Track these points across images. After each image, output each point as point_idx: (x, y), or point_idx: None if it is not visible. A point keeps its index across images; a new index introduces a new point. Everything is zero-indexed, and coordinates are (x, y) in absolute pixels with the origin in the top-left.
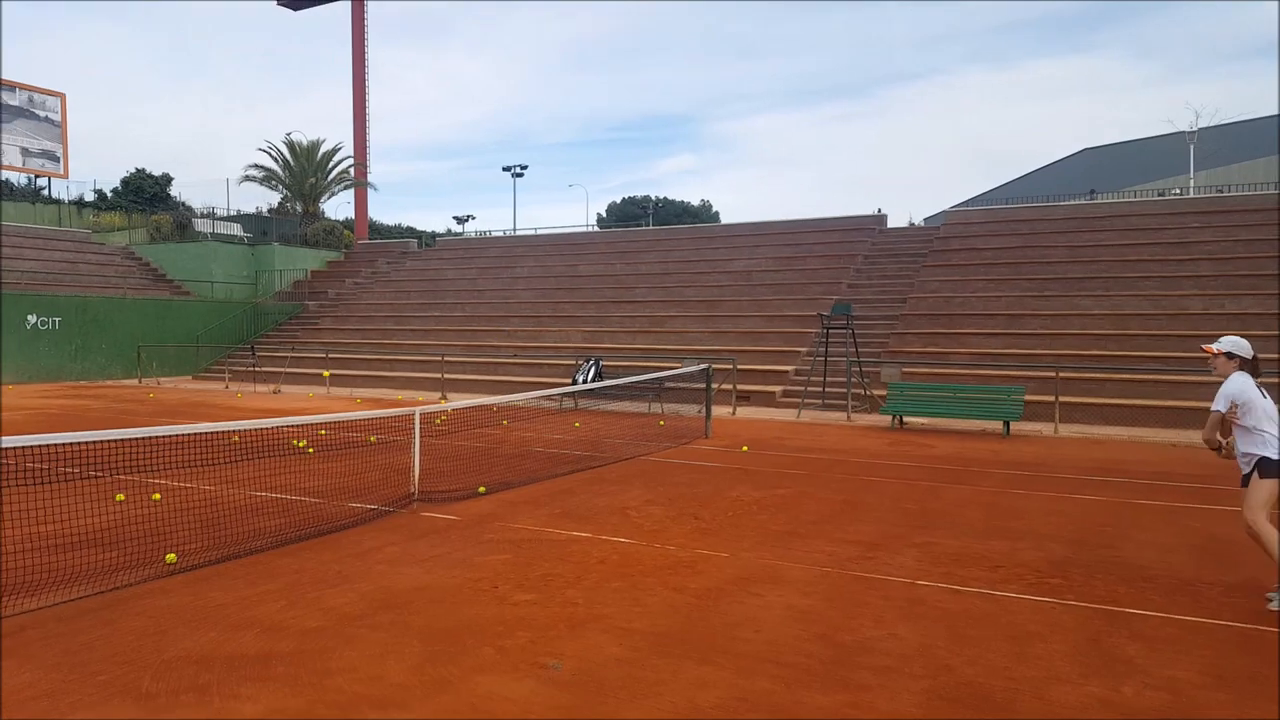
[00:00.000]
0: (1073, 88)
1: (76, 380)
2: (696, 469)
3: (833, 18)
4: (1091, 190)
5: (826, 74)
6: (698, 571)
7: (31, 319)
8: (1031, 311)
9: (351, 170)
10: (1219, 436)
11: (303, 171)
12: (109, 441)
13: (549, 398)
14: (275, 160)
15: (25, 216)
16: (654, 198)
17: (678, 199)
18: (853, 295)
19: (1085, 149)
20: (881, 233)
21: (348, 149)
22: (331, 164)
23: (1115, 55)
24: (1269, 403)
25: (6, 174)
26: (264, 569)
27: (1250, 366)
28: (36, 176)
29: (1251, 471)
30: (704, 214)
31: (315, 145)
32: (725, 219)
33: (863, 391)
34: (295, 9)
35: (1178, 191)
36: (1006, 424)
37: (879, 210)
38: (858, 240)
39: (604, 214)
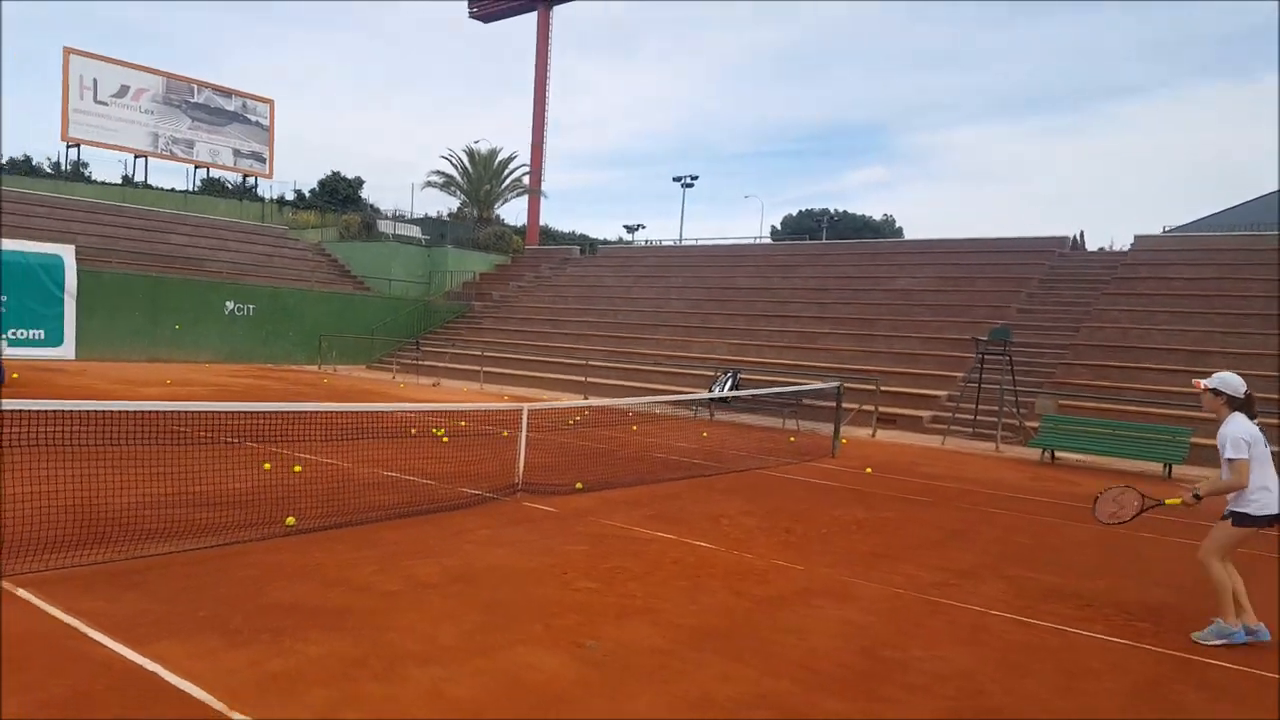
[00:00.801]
0: None
1: (264, 363)
2: (810, 486)
3: (1043, 24)
4: None
5: (1035, 86)
6: (765, 580)
7: (229, 305)
8: (1219, 349)
9: (525, 178)
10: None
11: (479, 179)
12: (264, 414)
13: (679, 404)
14: (455, 167)
15: (234, 212)
16: (832, 210)
17: (859, 213)
18: (1022, 321)
19: None
20: (1062, 255)
21: (523, 157)
22: (506, 172)
23: None
24: (1267, 451)
25: (220, 172)
26: (368, 538)
27: (1244, 406)
28: (246, 176)
29: (1227, 517)
30: (885, 229)
31: (493, 153)
32: (909, 234)
33: (1016, 423)
34: (486, 21)
35: None
36: (1168, 466)
37: (1080, 233)
38: (1034, 263)
39: (779, 226)
